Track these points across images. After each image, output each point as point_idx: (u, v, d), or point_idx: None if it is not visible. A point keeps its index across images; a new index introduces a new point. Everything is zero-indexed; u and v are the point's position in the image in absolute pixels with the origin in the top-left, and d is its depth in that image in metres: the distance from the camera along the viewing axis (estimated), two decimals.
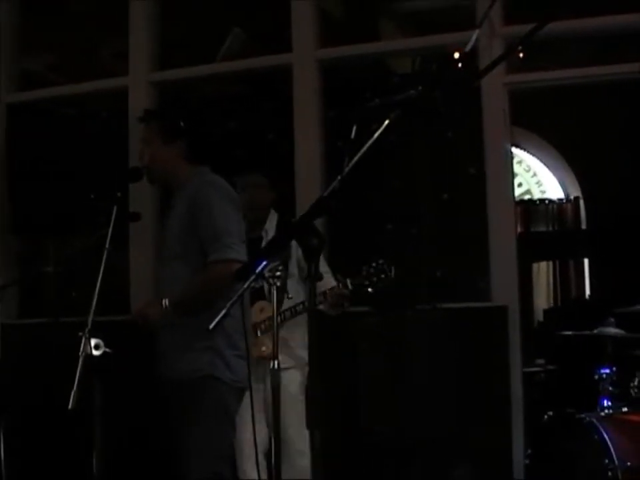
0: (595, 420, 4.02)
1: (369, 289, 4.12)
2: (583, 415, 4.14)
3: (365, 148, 2.28)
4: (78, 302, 5.71)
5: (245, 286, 2.49)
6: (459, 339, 4.89)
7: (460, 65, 2.53)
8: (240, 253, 3.49)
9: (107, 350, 3.47)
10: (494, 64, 2.24)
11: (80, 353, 3.37)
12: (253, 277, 2.42)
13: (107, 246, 3.55)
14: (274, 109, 5.87)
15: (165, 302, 3.51)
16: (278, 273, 2.44)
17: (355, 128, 2.40)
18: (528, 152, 10.69)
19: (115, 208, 3.62)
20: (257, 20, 6.85)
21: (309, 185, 5.40)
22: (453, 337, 4.90)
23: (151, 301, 3.65)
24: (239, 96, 6.28)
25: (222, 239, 3.48)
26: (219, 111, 6.03)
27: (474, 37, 2.24)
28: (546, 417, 4.41)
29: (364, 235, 5.30)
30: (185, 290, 3.51)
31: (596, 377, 4.30)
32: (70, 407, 3.24)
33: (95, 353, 3.41)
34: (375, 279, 4.17)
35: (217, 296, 2.55)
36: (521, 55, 5.54)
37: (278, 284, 2.43)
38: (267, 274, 2.45)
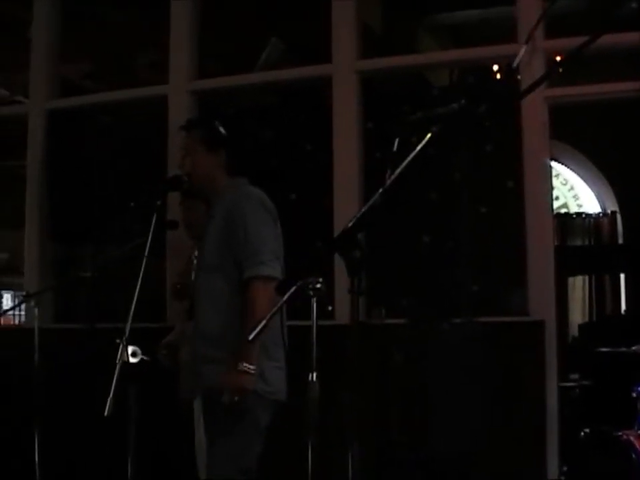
0: (632, 438, 3.97)
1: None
2: (620, 433, 4.09)
3: (407, 161, 2.26)
4: (114, 308, 5.73)
5: (285, 298, 2.47)
6: (495, 353, 4.85)
7: (502, 78, 2.50)
8: (275, 270, 3.46)
9: (144, 357, 3.47)
10: (538, 82, 2.22)
11: (117, 360, 3.38)
12: (292, 289, 2.41)
13: (145, 254, 3.57)
14: (311, 120, 5.86)
15: (243, 364, 3.35)
16: (318, 286, 2.42)
17: (397, 141, 2.38)
18: (565, 165, 10.62)
19: (154, 216, 3.63)
20: (296, 30, 6.88)
21: (347, 197, 5.38)
22: (488, 351, 4.86)
23: (228, 374, 3.43)
24: (276, 107, 6.28)
25: (256, 255, 3.46)
26: (256, 121, 6.03)
27: (521, 53, 2.21)
28: (582, 434, 4.36)
29: (400, 247, 5.27)
30: (245, 332, 3.37)
31: (634, 394, 4.25)
32: (106, 413, 3.24)
33: (132, 360, 3.42)
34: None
35: (267, 312, 2.53)
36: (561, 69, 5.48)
37: (318, 297, 2.42)
38: (307, 287, 2.43)
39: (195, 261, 4.34)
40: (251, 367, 3.36)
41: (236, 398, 3.36)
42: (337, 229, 5.17)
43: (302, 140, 5.81)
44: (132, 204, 3.82)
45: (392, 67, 5.70)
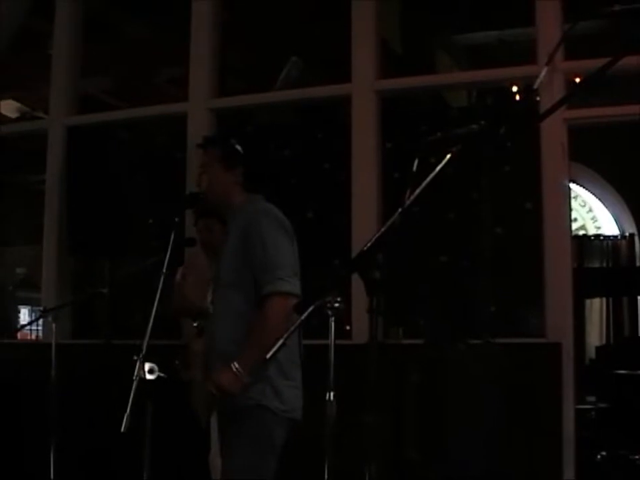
0: None
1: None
2: (637, 457, 4.07)
3: (426, 181, 2.27)
4: (131, 325, 5.75)
5: (303, 317, 2.47)
6: (512, 375, 4.83)
7: (521, 100, 2.51)
8: (294, 287, 3.44)
9: (161, 374, 3.47)
10: (559, 104, 2.22)
11: (134, 377, 3.38)
12: (311, 309, 2.41)
13: (164, 270, 3.58)
14: (330, 139, 5.88)
15: (235, 366, 3.38)
16: (337, 305, 2.42)
17: (416, 161, 2.39)
18: (583, 187, 10.59)
19: (173, 233, 3.64)
20: (316, 49, 6.90)
21: (365, 217, 5.39)
22: (505, 372, 4.84)
23: (221, 369, 3.50)
24: (295, 125, 6.31)
25: (275, 271, 3.45)
26: (274, 139, 6.06)
27: (542, 75, 2.21)
28: (599, 457, 4.34)
29: (418, 267, 5.27)
30: (249, 344, 3.40)
31: None
32: (123, 429, 3.25)
33: (149, 377, 3.42)
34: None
35: (281, 334, 2.52)
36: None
37: (336, 316, 2.42)
38: (326, 306, 2.43)
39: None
40: (242, 371, 3.37)
41: (214, 391, 3.40)
42: (355, 248, 5.19)
43: (320, 158, 5.83)
44: (150, 220, 3.82)
45: (411, 87, 5.72)
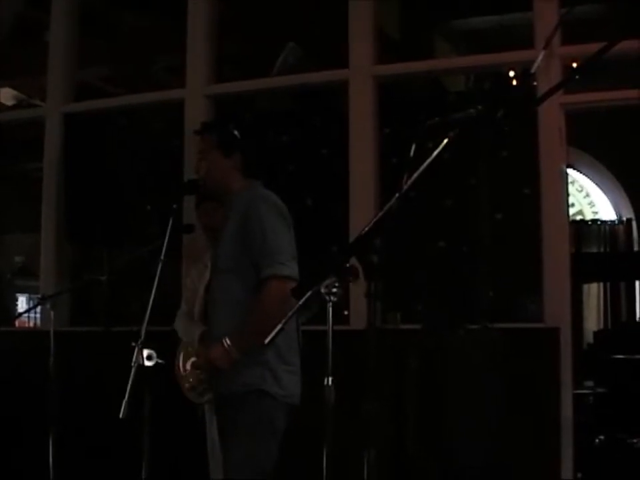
0: None
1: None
2: (635, 440, 4.08)
3: (423, 166, 2.26)
4: (130, 311, 5.75)
5: (300, 302, 2.47)
6: (510, 360, 4.83)
7: (518, 84, 2.51)
8: (293, 270, 3.46)
9: (159, 361, 3.48)
10: (555, 88, 2.21)
11: (132, 363, 3.39)
12: (308, 294, 2.41)
13: (162, 257, 3.58)
14: (328, 125, 5.86)
15: (226, 341, 3.44)
16: (334, 290, 2.42)
17: (414, 146, 2.38)
18: (581, 172, 10.59)
19: (171, 220, 3.65)
20: (313, 35, 6.88)
21: (363, 202, 5.38)
22: (503, 358, 4.84)
23: (212, 344, 3.58)
24: (292, 111, 6.29)
25: (274, 256, 3.46)
26: (272, 125, 6.04)
27: (539, 60, 2.20)
28: (597, 441, 4.34)
29: (416, 253, 5.26)
30: (245, 322, 3.45)
31: None
32: (121, 415, 3.25)
33: (147, 363, 3.43)
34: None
35: (278, 317, 2.53)
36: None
37: (334, 300, 2.41)
38: (323, 290, 2.42)
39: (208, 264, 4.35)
40: (233, 347, 3.42)
41: (204, 365, 3.46)
42: (353, 235, 5.18)
43: (318, 145, 5.81)
44: (148, 207, 3.83)
45: (408, 73, 5.69)
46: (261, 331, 2.70)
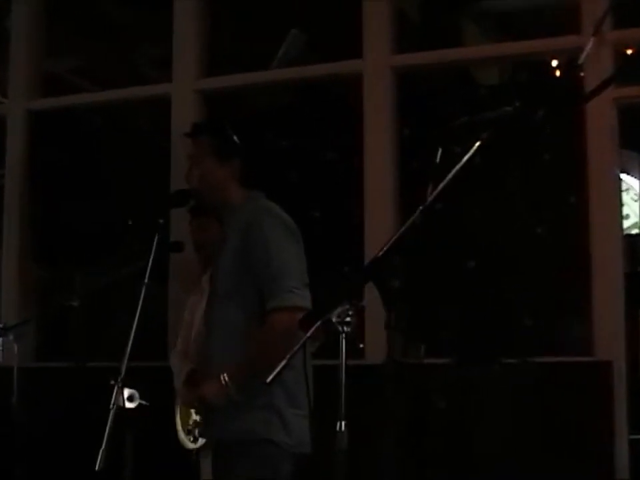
0: None
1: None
2: None
3: (451, 174, 2.28)
4: (108, 344, 5.76)
5: (308, 334, 2.48)
6: (553, 400, 4.84)
7: (562, 76, 2.53)
8: (304, 298, 3.47)
9: (143, 402, 3.50)
10: (608, 81, 2.23)
11: (111, 405, 3.40)
12: (317, 324, 2.42)
13: (145, 280, 3.60)
14: (338, 125, 5.89)
15: (225, 377, 3.45)
16: (348, 319, 2.43)
17: (440, 150, 2.41)
18: (637, 178, 10.58)
19: (156, 236, 3.67)
20: (320, 20, 6.90)
21: (380, 216, 5.39)
22: (545, 398, 4.85)
23: (208, 378, 3.58)
24: (296, 110, 6.31)
25: (281, 281, 3.47)
26: (272, 126, 6.07)
27: (588, 47, 2.22)
28: None
29: (442, 275, 5.27)
30: (246, 357, 3.47)
31: None
32: (97, 467, 3.26)
33: (129, 405, 3.44)
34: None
35: (283, 352, 2.54)
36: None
37: (348, 331, 2.42)
38: (334, 319, 2.44)
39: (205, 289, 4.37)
40: (231, 385, 3.44)
41: (196, 403, 3.47)
42: (368, 253, 5.21)
43: (327, 148, 5.84)
44: (130, 222, 3.86)
45: (432, 63, 5.72)
46: (264, 366, 2.71)
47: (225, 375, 3.45)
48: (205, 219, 4.69)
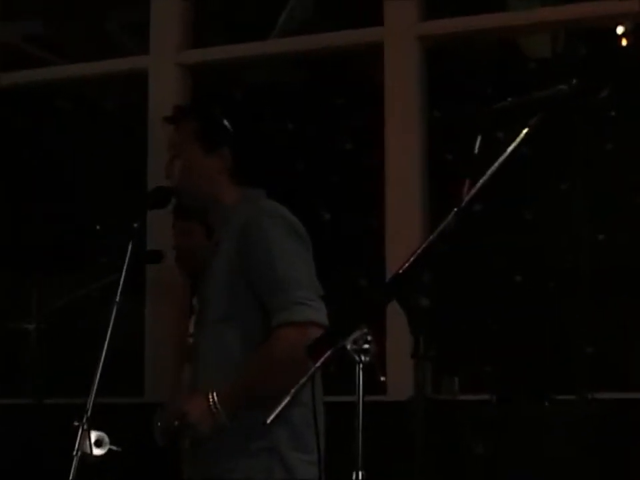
0: None
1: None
2: None
3: (493, 167, 2.29)
4: (72, 375, 5.77)
5: (318, 364, 2.48)
6: (620, 443, 4.83)
7: (629, 46, 2.55)
8: (318, 311, 3.47)
9: (113, 448, 3.49)
10: None
11: (75, 451, 3.41)
12: (328, 353, 2.42)
13: (117, 298, 3.60)
14: (353, 106, 5.90)
15: (213, 397, 3.45)
16: (366, 346, 2.43)
17: (479, 138, 2.40)
18: None
19: (130, 244, 3.67)
20: None
21: (405, 219, 5.37)
22: (608, 440, 4.85)
23: (192, 395, 3.60)
24: (302, 88, 6.33)
25: (289, 292, 3.47)
26: (274, 108, 6.08)
27: None
28: None
29: (482, 292, 5.28)
30: (242, 378, 3.48)
31: None
32: None
33: (97, 452, 3.44)
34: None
35: (291, 379, 2.54)
36: None
37: (367, 360, 2.42)
38: (350, 346, 2.44)
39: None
40: (220, 407, 3.43)
41: (176, 423, 3.50)
42: (391, 264, 5.20)
43: (340, 135, 5.84)
44: (97, 226, 3.87)
45: (468, 31, 5.72)
46: (264, 392, 2.73)
47: (214, 394, 3.45)
48: (187, 223, 4.71)
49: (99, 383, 3.48)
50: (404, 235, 5.26)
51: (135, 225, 3.72)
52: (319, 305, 3.50)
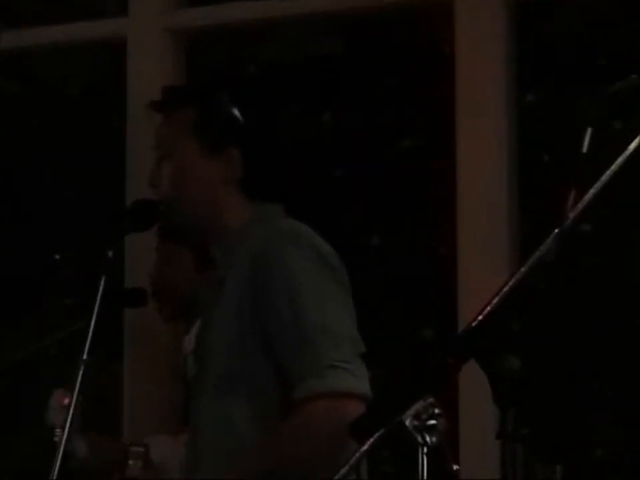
0: None
1: None
2: None
3: (610, 171, 2.28)
4: (24, 455, 5.82)
5: (365, 448, 2.49)
6: None
7: None
8: (358, 378, 3.47)
9: None
10: None
11: None
12: (380, 432, 2.42)
13: (84, 355, 3.62)
14: (410, 87, 5.91)
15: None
16: (432, 422, 2.43)
17: (588, 132, 2.40)
18: None
19: (102, 280, 3.68)
20: None
21: (483, 239, 5.38)
22: None
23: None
24: (338, 62, 6.34)
25: (320, 350, 3.46)
26: (300, 91, 6.09)
27: None
28: None
29: (592, 346, 5.28)
30: (257, 461, 3.51)
31: None
32: None
33: None
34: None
35: (326, 471, 2.55)
36: None
37: (434, 442, 2.42)
38: (410, 423, 2.44)
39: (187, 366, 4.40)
40: None
41: None
42: (466, 310, 5.19)
43: (393, 129, 5.86)
44: (57, 256, 3.90)
45: None
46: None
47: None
48: (172, 248, 4.72)
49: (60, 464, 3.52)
50: (483, 267, 5.27)
51: (109, 254, 3.73)
52: (359, 369, 3.50)
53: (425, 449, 2.49)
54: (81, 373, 3.60)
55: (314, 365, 3.45)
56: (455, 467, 3.93)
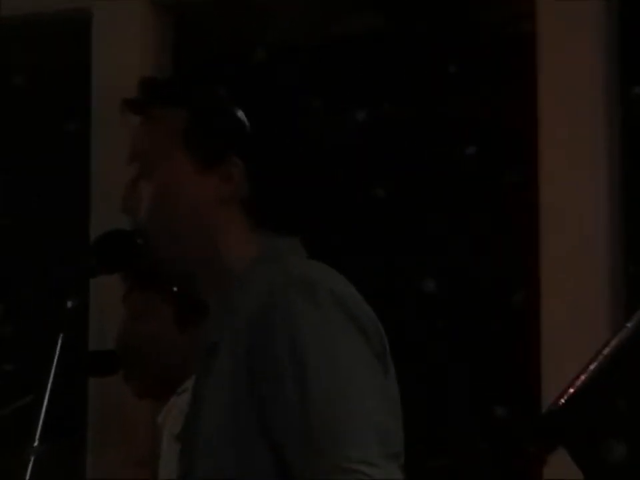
0: None
1: None
2: None
3: None
4: None
5: None
6: None
7: None
8: None
9: None
10: None
11: None
12: None
13: (35, 442, 3.64)
14: (476, 79, 5.94)
15: None
16: None
17: None
18: None
19: (60, 338, 3.70)
20: None
21: (575, 284, 5.41)
22: None
23: None
24: (377, 45, 6.36)
25: (336, 446, 3.41)
26: (323, 84, 6.12)
27: None
28: None
29: None
30: None
31: None
32: None
33: None
34: None
35: None
36: None
37: None
38: None
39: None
40: None
41: None
42: (551, 382, 5.20)
43: (454, 133, 5.89)
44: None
45: None
46: None
47: None
48: (150, 294, 4.75)
49: None
50: (574, 322, 5.28)
51: (68, 304, 3.75)
52: (388, 473, 3.46)
53: None
54: (31, 464, 3.63)
55: (324, 466, 3.42)
56: None
